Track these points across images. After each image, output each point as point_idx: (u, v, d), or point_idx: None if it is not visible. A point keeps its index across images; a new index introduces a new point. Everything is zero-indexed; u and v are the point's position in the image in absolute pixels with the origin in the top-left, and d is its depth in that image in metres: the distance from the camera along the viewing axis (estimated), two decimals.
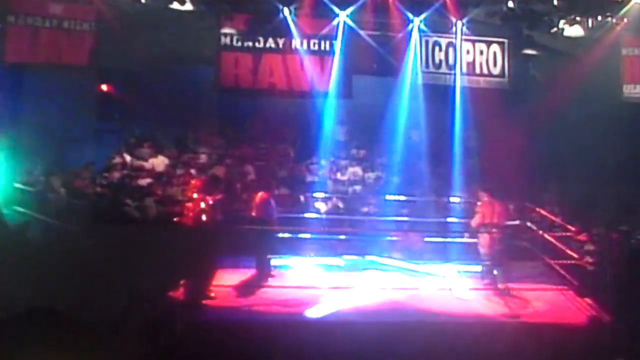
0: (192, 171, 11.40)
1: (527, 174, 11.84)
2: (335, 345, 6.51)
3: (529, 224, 10.57)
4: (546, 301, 8.25)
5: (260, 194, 9.10)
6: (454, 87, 11.74)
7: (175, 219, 8.32)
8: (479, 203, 9.01)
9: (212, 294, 7.76)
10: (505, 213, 8.92)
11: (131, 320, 6.26)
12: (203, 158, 12.11)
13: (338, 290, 8.37)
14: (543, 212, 10.78)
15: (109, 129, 12.22)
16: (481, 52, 11.83)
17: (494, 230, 8.61)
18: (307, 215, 10.95)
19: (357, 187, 12.20)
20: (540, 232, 10.10)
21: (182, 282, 7.62)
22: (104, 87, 12.13)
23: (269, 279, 8.77)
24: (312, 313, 7.58)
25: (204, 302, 7.57)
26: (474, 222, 8.87)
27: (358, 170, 12.53)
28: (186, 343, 6.32)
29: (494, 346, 6.70)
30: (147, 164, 11.51)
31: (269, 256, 8.95)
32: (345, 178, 12.38)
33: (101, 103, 11.96)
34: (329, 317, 7.47)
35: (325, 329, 6.99)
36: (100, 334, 5.68)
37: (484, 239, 8.73)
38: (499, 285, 8.51)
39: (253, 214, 8.98)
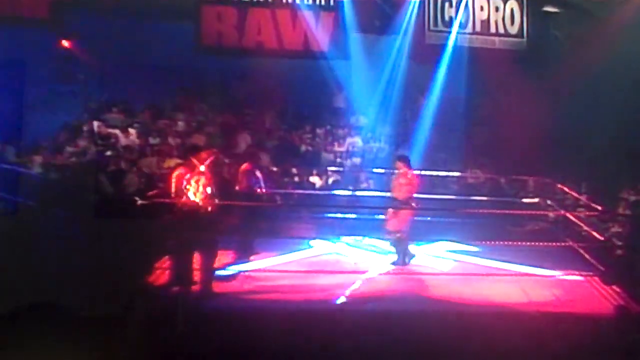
0: (169, 140, 11.25)
1: (544, 146, 11.72)
2: (338, 334, 6.45)
3: (549, 202, 10.49)
4: (568, 289, 8.09)
5: (243, 165, 8.85)
6: (466, 47, 11.76)
7: (151, 194, 8.04)
8: (394, 174, 8.81)
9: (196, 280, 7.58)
10: (419, 186, 8.80)
11: (133, 314, 6.26)
12: (181, 125, 11.97)
13: (338, 275, 8.25)
14: (566, 189, 10.69)
15: (71, 92, 12.10)
16: (497, 9, 11.84)
17: (411, 204, 8.54)
18: (299, 190, 10.89)
19: (357, 160, 12.05)
20: (562, 211, 10.04)
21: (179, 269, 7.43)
22: (65, 44, 11.85)
23: (251, 261, 8.57)
24: (309, 300, 7.47)
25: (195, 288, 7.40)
26: (406, 193, 8.56)
27: (357, 140, 12.46)
28: (187, 335, 6.32)
29: (510, 338, 6.51)
30: (118, 132, 11.29)
31: (252, 236, 8.73)
32: (343, 149, 12.30)
33: (62, 62, 11.93)
34: (330, 305, 7.36)
35: (326, 319, 6.88)
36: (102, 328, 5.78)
37: (394, 215, 8.59)
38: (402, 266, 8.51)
39: (237, 188, 8.75)
